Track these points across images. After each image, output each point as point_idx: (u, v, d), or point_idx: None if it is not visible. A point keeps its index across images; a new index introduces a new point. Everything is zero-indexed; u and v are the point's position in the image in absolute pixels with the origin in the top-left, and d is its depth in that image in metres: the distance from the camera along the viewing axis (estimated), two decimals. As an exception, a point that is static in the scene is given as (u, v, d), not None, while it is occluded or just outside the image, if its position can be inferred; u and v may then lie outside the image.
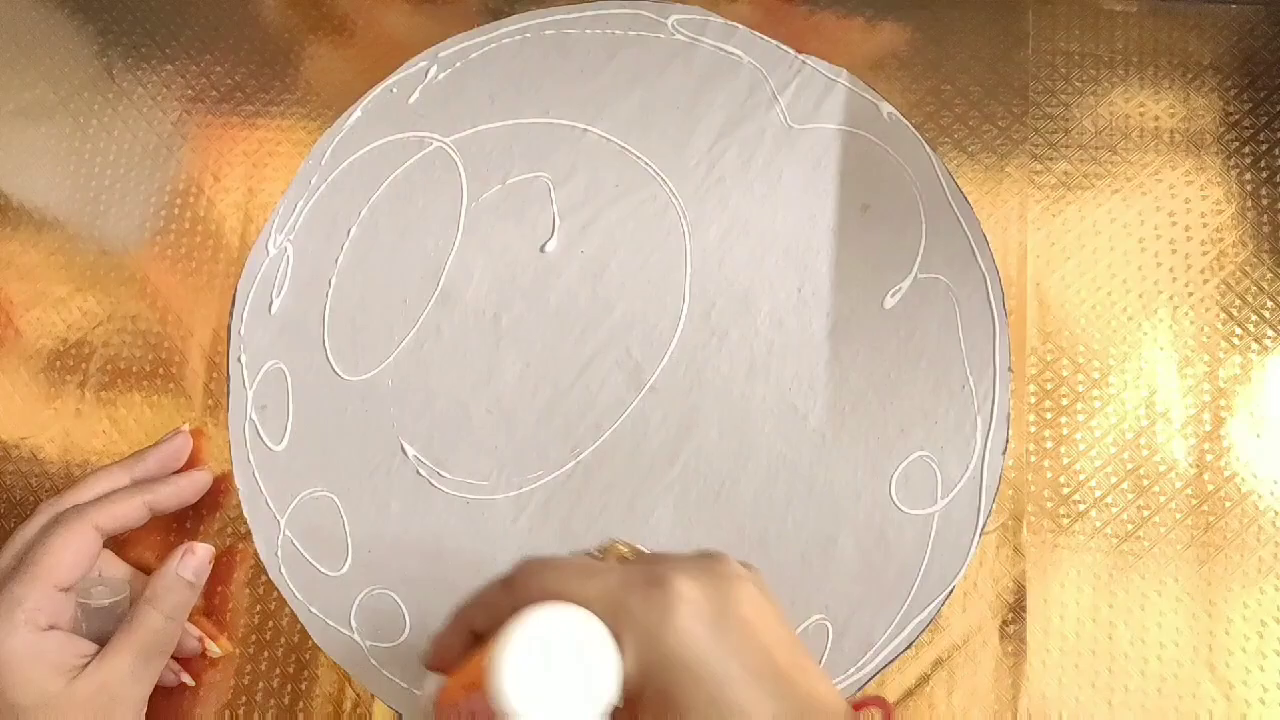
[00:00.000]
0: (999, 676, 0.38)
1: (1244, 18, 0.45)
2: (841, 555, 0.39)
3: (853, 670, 0.38)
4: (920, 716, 0.38)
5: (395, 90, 0.46)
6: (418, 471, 0.41)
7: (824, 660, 0.38)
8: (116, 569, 0.39)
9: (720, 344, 0.42)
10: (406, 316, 0.43)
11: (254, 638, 0.41)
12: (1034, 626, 0.38)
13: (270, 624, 0.41)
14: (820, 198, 0.43)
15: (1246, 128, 0.43)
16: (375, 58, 0.47)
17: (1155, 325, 0.41)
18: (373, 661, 0.39)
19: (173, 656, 0.38)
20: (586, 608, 0.25)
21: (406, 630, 0.40)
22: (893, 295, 0.42)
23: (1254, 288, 0.41)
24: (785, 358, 0.41)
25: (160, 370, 0.44)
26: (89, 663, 0.35)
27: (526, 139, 0.44)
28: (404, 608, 0.40)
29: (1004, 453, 0.40)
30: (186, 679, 0.39)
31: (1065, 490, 0.40)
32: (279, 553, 0.41)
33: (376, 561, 0.40)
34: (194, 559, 0.38)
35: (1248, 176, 0.43)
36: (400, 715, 0.39)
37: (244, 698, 0.40)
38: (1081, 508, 0.40)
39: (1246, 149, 0.43)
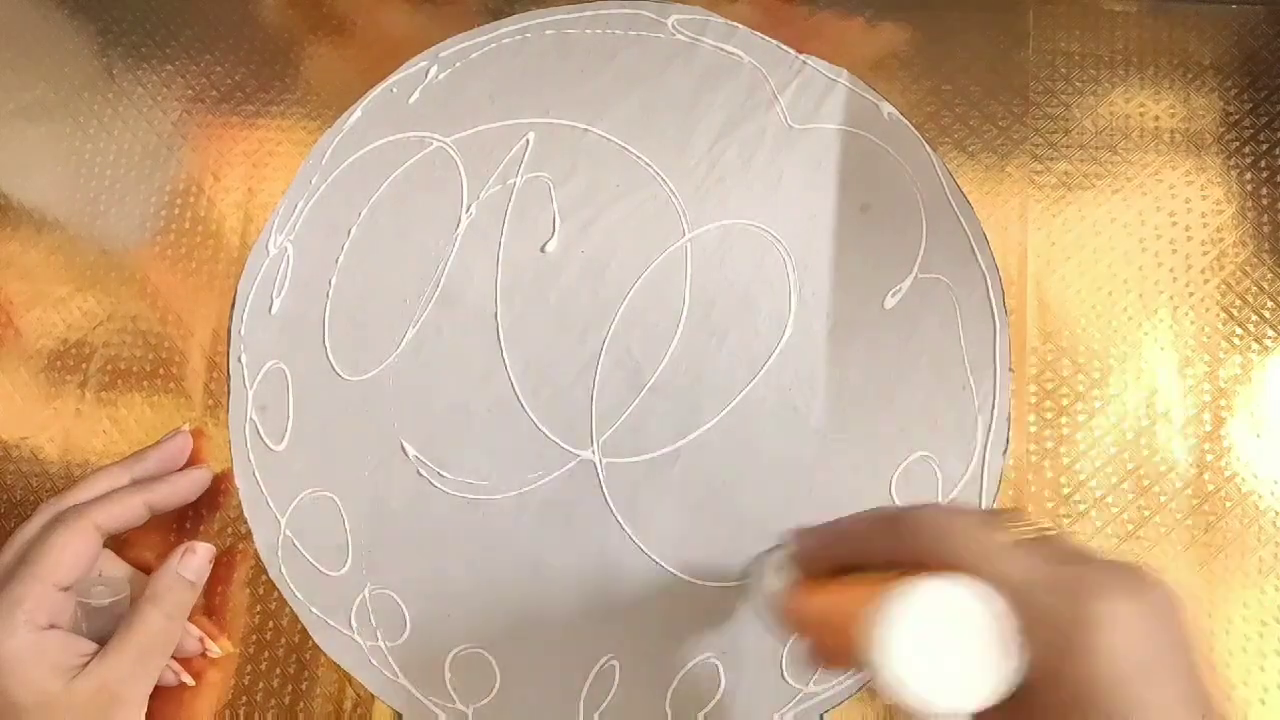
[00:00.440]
0: (999, 676, 0.38)
1: (1244, 18, 0.45)
2: (842, 555, 0.39)
3: (854, 670, 0.38)
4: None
5: (395, 90, 0.46)
6: (418, 471, 0.41)
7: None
8: (116, 568, 0.39)
9: (720, 344, 0.42)
10: (407, 316, 0.43)
11: (254, 638, 0.41)
12: (1034, 626, 0.38)
13: (270, 624, 0.41)
14: (820, 198, 0.43)
15: (1246, 128, 0.43)
16: (375, 58, 0.46)
17: (1155, 325, 0.41)
18: (373, 661, 0.39)
19: (173, 656, 0.38)
20: (996, 588, 0.23)
21: (406, 630, 0.40)
22: (893, 295, 0.42)
23: (1254, 288, 0.41)
24: (785, 358, 0.41)
25: (160, 370, 0.44)
26: (89, 662, 0.35)
27: (526, 139, 0.44)
28: (404, 608, 0.40)
29: (1004, 453, 0.40)
30: (186, 679, 0.39)
31: (1065, 490, 0.40)
32: (279, 552, 0.41)
33: (376, 561, 0.40)
34: (194, 558, 0.38)
35: (1248, 176, 0.43)
36: (400, 715, 0.39)
37: (244, 698, 0.40)
38: (1081, 508, 0.40)
39: (1247, 149, 0.43)
